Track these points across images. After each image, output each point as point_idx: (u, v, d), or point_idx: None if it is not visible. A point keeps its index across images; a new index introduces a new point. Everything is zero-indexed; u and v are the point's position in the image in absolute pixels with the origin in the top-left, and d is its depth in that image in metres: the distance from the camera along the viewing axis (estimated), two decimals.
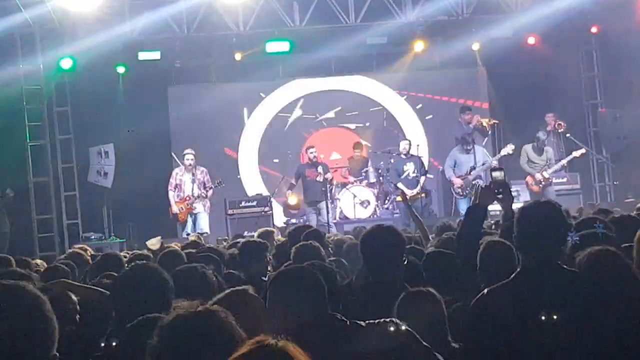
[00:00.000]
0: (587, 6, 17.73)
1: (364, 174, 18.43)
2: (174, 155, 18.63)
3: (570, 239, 4.61)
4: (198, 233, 15.57)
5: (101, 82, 18.51)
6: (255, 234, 9.91)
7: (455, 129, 18.44)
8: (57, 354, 2.68)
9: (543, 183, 17.50)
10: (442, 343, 4.64)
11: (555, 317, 4.09)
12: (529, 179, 17.65)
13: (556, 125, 18.54)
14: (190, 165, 17.13)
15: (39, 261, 9.92)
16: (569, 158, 17.76)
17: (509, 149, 17.29)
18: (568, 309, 4.12)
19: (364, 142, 19.62)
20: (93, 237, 17.82)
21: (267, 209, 17.80)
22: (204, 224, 17.01)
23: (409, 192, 17.05)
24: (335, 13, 17.88)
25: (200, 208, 17.14)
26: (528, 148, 17.80)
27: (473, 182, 17.15)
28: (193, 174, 17.14)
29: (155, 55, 18.69)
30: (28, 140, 17.96)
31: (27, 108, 17.94)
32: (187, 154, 17.24)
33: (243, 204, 18.10)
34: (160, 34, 17.79)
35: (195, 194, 17.03)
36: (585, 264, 4.38)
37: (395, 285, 5.14)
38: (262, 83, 20.34)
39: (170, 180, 17.30)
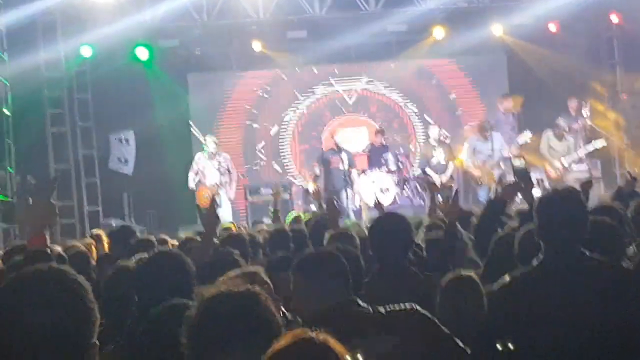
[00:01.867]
0: None
1: (384, 161, 18.40)
2: (201, 137, 18.28)
3: None
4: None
5: (121, 70, 18.56)
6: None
7: (495, 116, 18.46)
8: (97, 342, 2.63)
9: (561, 170, 17.43)
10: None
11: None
12: (547, 165, 17.62)
13: (581, 111, 18.44)
14: (213, 152, 17.14)
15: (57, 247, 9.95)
16: (588, 149, 17.66)
17: (525, 136, 17.25)
18: (591, 301, 4.12)
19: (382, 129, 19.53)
20: (114, 223, 17.90)
21: (286, 195, 17.79)
22: (226, 214, 16.75)
23: (439, 179, 17.14)
24: (356, 1, 17.85)
25: (223, 196, 16.99)
26: (549, 134, 17.72)
27: (492, 170, 17.14)
28: (218, 162, 17.15)
29: (174, 42, 18.76)
30: (49, 127, 18.07)
31: (48, 95, 18.04)
32: (210, 140, 17.25)
33: (262, 190, 18.10)
34: (180, 22, 17.82)
35: (219, 181, 17.05)
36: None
37: (403, 272, 5.17)
38: (282, 70, 20.33)
39: (192, 164, 17.27)
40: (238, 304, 2.94)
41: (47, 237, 4.81)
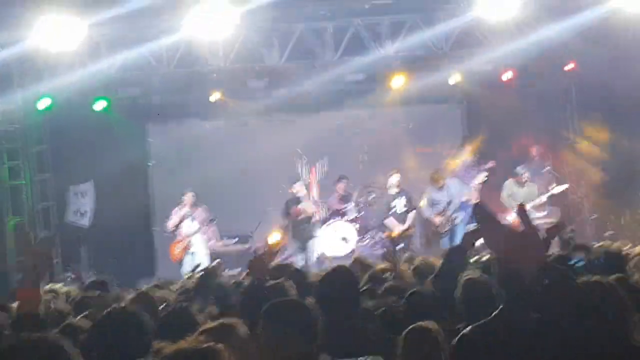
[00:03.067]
0: (564, 40, 17.81)
1: (345, 209, 18.37)
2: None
3: (575, 263, 4.55)
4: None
5: (80, 120, 18.46)
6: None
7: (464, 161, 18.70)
8: None
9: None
10: None
11: None
12: (508, 212, 17.70)
13: (541, 157, 18.66)
14: (189, 203, 17.52)
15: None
16: (547, 194, 17.83)
17: (481, 177, 17.43)
18: (558, 348, 4.06)
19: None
20: (71, 277, 17.64)
21: (248, 246, 17.71)
22: (202, 260, 16.81)
23: (399, 228, 17.23)
24: (314, 50, 17.89)
25: (199, 244, 17.42)
26: (511, 182, 17.90)
27: (453, 217, 17.24)
28: (193, 212, 17.53)
29: (134, 91, 18.69)
30: (7, 181, 17.84)
31: (6, 148, 17.84)
32: (188, 192, 17.61)
33: (224, 240, 18.04)
34: (139, 71, 17.74)
35: (194, 230, 17.36)
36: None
37: (352, 326, 5.09)
38: (241, 119, 20.29)
39: (170, 216, 17.62)
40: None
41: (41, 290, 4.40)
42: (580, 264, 5.55)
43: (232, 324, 4.41)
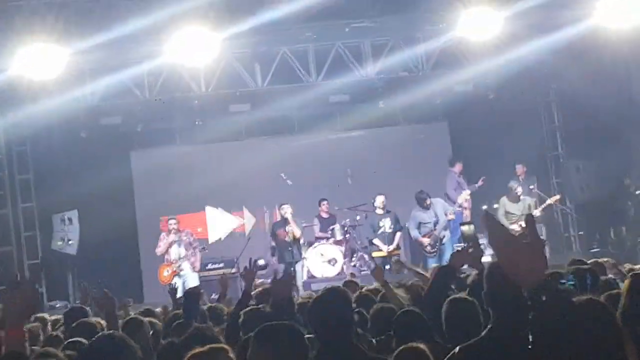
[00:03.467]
0: (544, 57, 17.91)
1: (330, 231, 18.35)
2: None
3: (566, 283, 4.55)
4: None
5: (63, 149, 18.43)
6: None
7: (447, 182, 18.70)
8: None
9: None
10: None
11: None
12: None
13: (525, 175, 18.78)
14: (174, 229, 17.55)
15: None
16: (542, 206, 17.90)
17: (464, 195, 17.51)
18: None
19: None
20: (58, 305, 17.56)
21: (234, 270, 17.65)
22: (192, 283, 16.91)
23: (385, 249, 17.28)
24: (297, 72, 17.93)
25: (187, 269, 17.39)
26: (505, 200, 17.98)
27: (440, 236, 17.28)
28: (179, 238, 17.53)
29: (117, 120, 18.67)
30: None
31: None
32: (171, 219, 17.71)
33: (209, 265, 18.02)
34: (122, 98, 17.72)
35: (182, 255, 17.36)
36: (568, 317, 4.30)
37: (349, 350, 5.03)
38: (225, 144, 20.28)
39: (158, 243, 17.67)
40: None
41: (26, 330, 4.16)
42: (571, 283, 5.55)
43: (222, 348, 4.38)
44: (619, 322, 4.31)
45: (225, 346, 4.51)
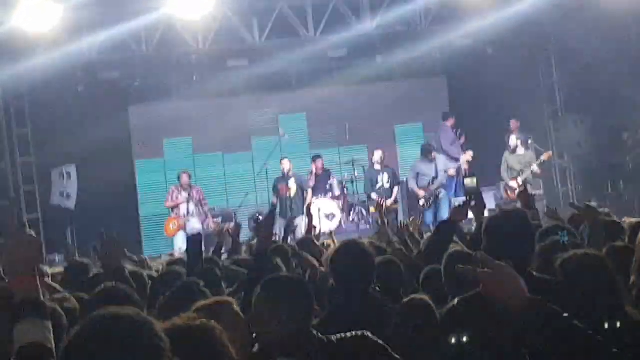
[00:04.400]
0: (543, 11, 17.84)
1: (328, 187, 18.40)
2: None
3: (561, 238, 4.58)
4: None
5: (60, 103, 18.41)
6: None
7: (439, 134, 18.69)
8: None
9: (517, 190, 17.57)
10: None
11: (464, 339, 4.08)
12: (505, 186, 17.88)
13: (519, 131, 18.77)
14: (185, 184, 17.70)
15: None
16: (537, 162, 17.93)
17: (467, 156, 17.50)
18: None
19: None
20: (57, 259, 17.64)
21: (232, 224, 17.70)
22: None
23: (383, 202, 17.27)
24: (294, 27, 17.87)
25: (197, 225, 17.48)
26: (507, 155, 18.07)
27: (436, 192, 17.28)
28: (189, 194, 17.68)
29: (114, 74, 18.64)
30: None
31: None
32: (184, 173, 17.84)
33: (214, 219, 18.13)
34: (119, 53, 17.69)
35: (191, 212, 17.57)
36: (565, 269, 4.35)
37: (371, 302, 5.08)
38: (223, 99, 20.24)
39: (167, 197, 17.93)
40: (189, 338, 2.89)
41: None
42: (565, 238, 5.59)
43: (227, 301, 4.41)
44: (615, 273, 4.38)
45: (230, 299, 4.55)
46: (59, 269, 10.25)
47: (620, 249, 5.40)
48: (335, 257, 5.32)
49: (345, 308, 5.07)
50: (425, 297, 5.02)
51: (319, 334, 4.07)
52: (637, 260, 4.93)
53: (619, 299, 4.29)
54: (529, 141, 18.66)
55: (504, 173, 17.98)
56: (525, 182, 17.46)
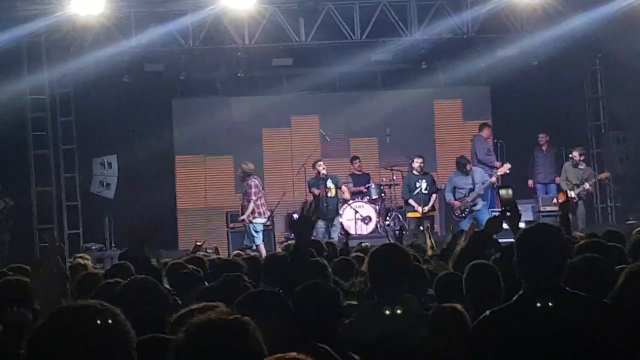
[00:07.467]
0: (592, 28, 17.76)
1: (365, 189, 18.42)
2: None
3: None
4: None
5: (106, 93, 18.60)
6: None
7: (474, 144, 18.66)
8: None
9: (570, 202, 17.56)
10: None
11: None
12: (560, 195, 17.95)
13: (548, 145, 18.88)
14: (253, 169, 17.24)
15: None
16: (593, 180, 17.95)
17: (505, 168, 17.43)
18: (576, 336, 4.11)
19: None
20: (94, 247, 17.81)
21: (268, 222, 17.75)
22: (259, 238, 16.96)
23: (420, 210, 17.24)
24: (341, 29, 17.91)
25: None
26: (567, 165, 18.08)
27: (472, 203, 17.19)
28: (246, 183, 17.12)
29: (160, 67, 18.79)
30: (32, 150, 17.98)
31: (32, 117, 17.97)
32: (248, 163, 17.27)
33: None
34: (166, 47, 17.84)
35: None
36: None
37: (401, 305, 5.11)
38: (267, 97, 20.29)
39: (253, 190, 17.07)
40: (226, 333, 2.92)
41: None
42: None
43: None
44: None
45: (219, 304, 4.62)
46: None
47: None
48: (374, 257, 5.36)
49: (377, 309, 5.11)
50: (459, 306, 5.04)
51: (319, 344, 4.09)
52: None
53: None
54: (581, 160, 18.57)
55: (562, 183, 18.04)
56: (578, 196, 17.57)
